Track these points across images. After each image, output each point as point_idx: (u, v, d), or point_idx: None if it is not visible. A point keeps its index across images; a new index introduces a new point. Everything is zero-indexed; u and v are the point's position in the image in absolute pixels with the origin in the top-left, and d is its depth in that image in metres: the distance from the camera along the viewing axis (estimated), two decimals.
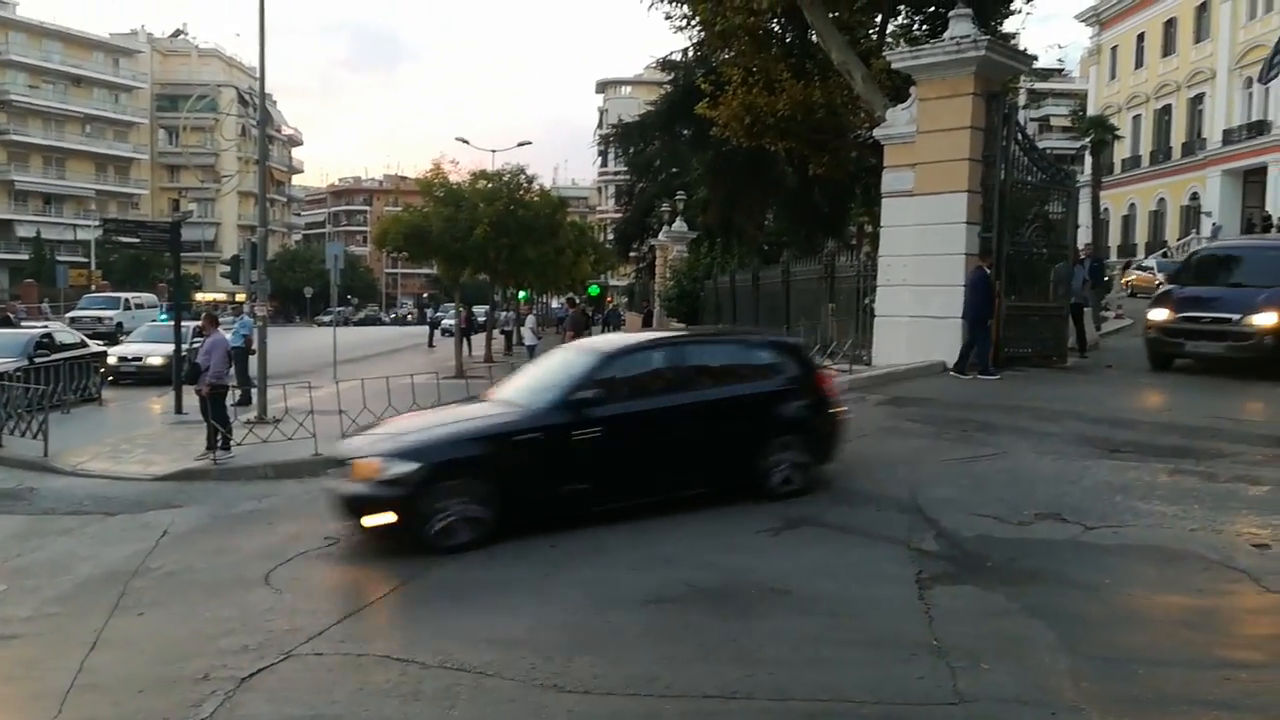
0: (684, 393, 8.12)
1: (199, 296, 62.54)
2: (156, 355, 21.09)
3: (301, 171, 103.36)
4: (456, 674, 4.67)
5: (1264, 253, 14.19)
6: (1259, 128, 37.85)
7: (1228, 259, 14.30)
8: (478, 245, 22.80)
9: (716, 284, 26.72)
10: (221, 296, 62.91)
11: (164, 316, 29.06)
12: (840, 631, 5.00)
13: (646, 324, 31.09)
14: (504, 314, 39.64)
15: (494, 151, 32.87)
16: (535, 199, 25.99)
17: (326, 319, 55.65)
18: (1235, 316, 12.29)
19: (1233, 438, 9.09)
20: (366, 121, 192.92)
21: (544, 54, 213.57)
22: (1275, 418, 10.22)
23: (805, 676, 4.44)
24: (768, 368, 8.73)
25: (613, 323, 40.22)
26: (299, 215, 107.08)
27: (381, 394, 12.93)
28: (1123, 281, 33.62)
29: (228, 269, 23.52)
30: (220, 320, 14.86)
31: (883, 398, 12.06)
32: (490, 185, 25.01)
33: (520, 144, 29.59)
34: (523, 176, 25.80)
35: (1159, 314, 13.46)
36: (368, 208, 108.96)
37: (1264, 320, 12.02)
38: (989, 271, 13.03)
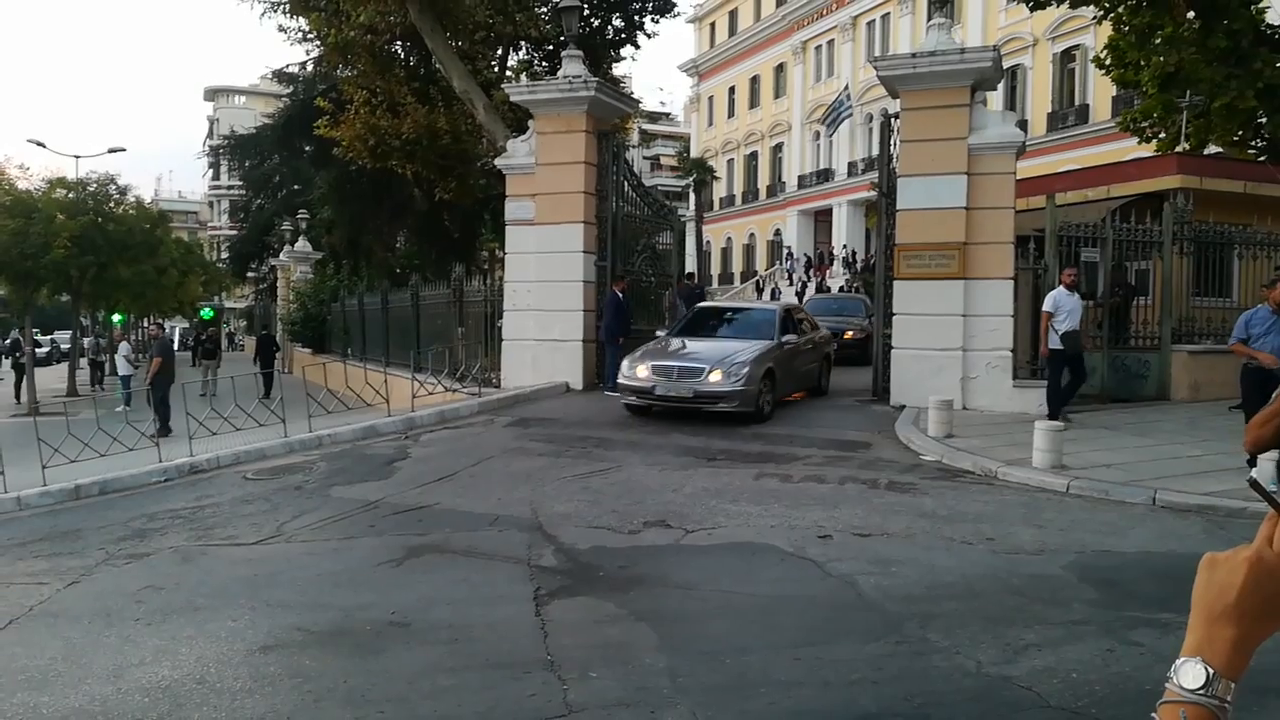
0: None
1: None
2: None
3: None
4: None
5: None
6: (825, 175, 44.37)
7: None
8: (56, 264, 19.96)
9: (344, 307, 25.68)
10: None
11: None
12: (458, 658, 4.98)
13: (266, 348, 28.95)
14: (89, 340, 34.68)
15: (78, 157, 28.84)
16: (130, 212, 23.38)
17: None
18: None
19: (805, 443, 10.50)
20: None
21: (144, 54, 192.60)
22: (836, 425, 11.95)
23: (420, 710, 4.36)
24: None
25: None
26: None
27: None
28: None
29: None
30: None
31: (510, 419, 12.33)
32: (72, 195, 22.06)
33: (112, 150, 26.02)
34: (113, 187, 23.11)
35: None
36: None
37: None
38: (621, 295, 13.92)
